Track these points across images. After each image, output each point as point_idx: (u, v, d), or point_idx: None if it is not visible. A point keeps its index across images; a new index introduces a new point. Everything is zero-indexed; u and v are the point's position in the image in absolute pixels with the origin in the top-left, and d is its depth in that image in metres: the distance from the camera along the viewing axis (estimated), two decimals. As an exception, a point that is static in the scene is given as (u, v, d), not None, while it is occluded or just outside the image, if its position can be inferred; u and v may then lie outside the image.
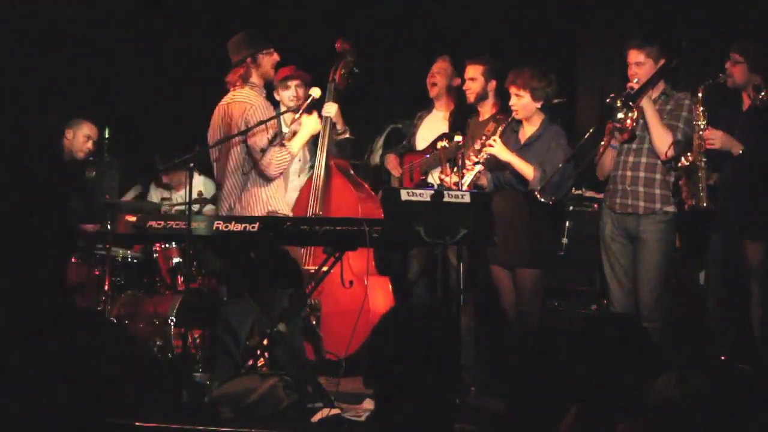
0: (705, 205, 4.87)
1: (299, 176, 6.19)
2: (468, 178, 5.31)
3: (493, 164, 5.37)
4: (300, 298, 5.19)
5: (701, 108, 4.92)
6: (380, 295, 5.92)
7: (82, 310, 5.33)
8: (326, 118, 5.94)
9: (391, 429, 2.20)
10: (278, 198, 5.19)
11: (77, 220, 6.18)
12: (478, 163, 5.37)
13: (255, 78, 5.19)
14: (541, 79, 5.25)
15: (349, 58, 6.03)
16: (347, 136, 6.11)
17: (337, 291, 5.68)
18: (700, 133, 4.92)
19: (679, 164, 4.96)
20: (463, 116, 5.95)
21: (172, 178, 6.78)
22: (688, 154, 4.92)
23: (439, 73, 6.15)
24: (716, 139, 4.88)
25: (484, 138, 5.40)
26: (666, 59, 5.12)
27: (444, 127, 6.01)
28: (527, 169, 5.19)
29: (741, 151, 4.86)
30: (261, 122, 5.06)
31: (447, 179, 5.47)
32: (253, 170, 5.11)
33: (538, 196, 5.03)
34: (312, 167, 6.11)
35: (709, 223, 5.06)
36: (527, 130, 5.36)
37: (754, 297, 4.88)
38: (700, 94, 4.93)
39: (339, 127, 6.06)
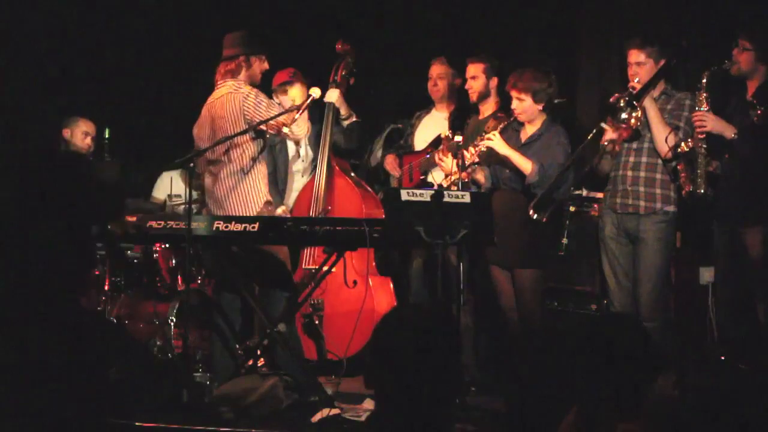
0: (702, 191, 4.85)
1: (303, 176, 6.19)
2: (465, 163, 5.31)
3: (491, 159, 5.37)
4: (295, 299, 5.19)
5: (704, 94, 4.91)
6: (383, 296, 5.91)
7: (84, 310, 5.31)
8: (329, 104, 5.94)
9: (392, 429, 2.20)
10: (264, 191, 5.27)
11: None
12: (477, 163, 5.37)
13: (242, 77, 5.26)
14: (542, 80, 5.25)
15: (350, 59, 6.04)
16: (353, 119, 6.09)
17: (340, 291, 5.68)
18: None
19: (679, 150, 4.94)
20: (463, 116, 5.95)
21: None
22: (689, 140, 4.91)
23: (440, 78, 6.15)
24: (707, 121, 4.87)
25: (484, 134, 5.40)
26: (667, 59, 5.12)
27: (443, 128, 6.02)
28: (525, 164, 5.19)
29: (733, 135, 4.84)
30: (261, 122, 5.06)
31: (445, 166, 5.47)
32: (253, 168, 5.14)
33: (532, 213, 5.02)
34: (313, 163, 6.10)
35: (709, 217, 5.06)
36: (529, 130, 5.37)
37: (757, 290, 4.87)
38: (704, 80, 4.90)
39: (343, 112, 6.04)
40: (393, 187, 6.15)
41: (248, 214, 5.13)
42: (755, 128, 4.83)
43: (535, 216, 5.01)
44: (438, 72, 6.16)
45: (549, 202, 5.10)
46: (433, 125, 6.18)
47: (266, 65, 5.35)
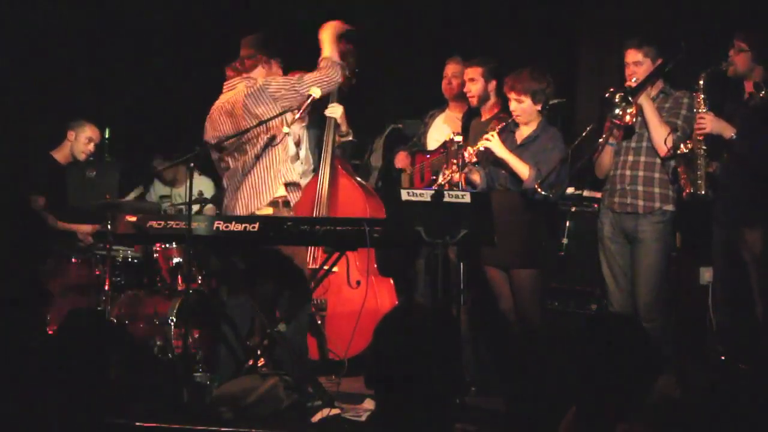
0: (703, 192, 4.85)
1: (301, 179, 6.17)
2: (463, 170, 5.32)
3: (488, 160, 5.37)
4: (301, 298, 5.19)
5: (702, 96, 4.91)
6: (386, 296, 5.91)
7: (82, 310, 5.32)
8: (331, 118, 5.93)
9: (392, 429, 2.20)
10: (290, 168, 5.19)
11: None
12: (474, 163, 5.37)
13: (257, 75, 5.17)
14: (540, 80, 5.24)
15: (351, 59, 6.03)
16: (350, 139, 6.10)
17: (343, 291, 5.68)
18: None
19: (678, 151, 4.94)
20: (474, 117, 5.95)
21: (174, 174, 6.80)
22: (687, 141, 4.91)
23: (455, 77, 6.12)
24: (706, 121, 4.86)
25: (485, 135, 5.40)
26: (664, 58, 5.12)
27: (455, 128, 6.01)
28: (522, 168, 5.19)
29: (733, 135, 4.83)
30: (262, 122, 5.04)
31: (448, 173, 5.48)
32: (268, 152, 5.10)
33: (538, 188, 5.02)
34: (315, 170, 6.09)
35: (708, 218, 5.06)
36: (524, 131, 5.36)
37: (755, 290, 4.87)
38: (701, 82, 4.90)
39: (343, 129, 6.04)
40: (394, 187, 6.15)
41: (259, 203, 5.09)
42: (756, 108, 4.82)
43: (543, 192, 5.01)
44: (453, 71, 6.15)
45: (552, 186, 5.12)
46: (445, 125, 6.17)
47: (281, 72, 5.26)
